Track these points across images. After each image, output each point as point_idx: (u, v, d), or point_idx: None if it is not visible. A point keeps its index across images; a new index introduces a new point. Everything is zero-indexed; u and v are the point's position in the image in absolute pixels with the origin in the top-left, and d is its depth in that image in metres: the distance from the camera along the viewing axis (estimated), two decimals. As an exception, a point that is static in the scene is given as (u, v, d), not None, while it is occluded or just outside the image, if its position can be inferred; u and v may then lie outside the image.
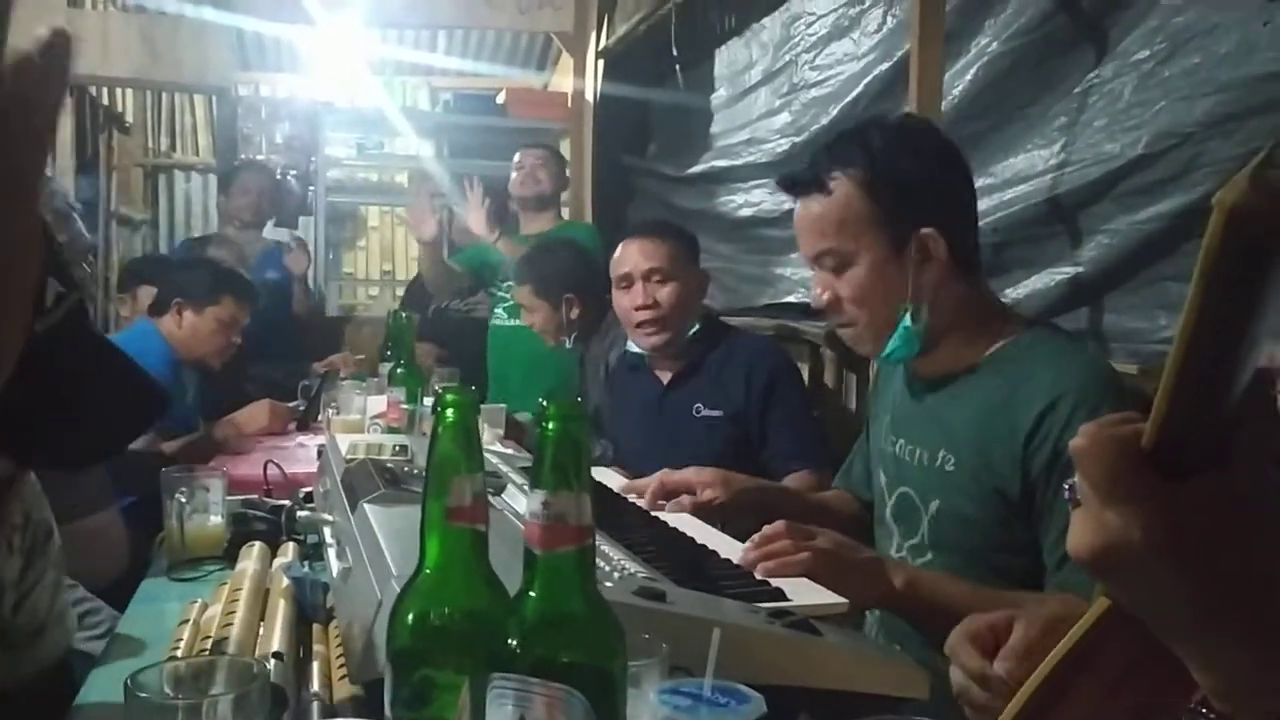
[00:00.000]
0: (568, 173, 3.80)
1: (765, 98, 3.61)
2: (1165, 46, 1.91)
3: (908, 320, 1.43)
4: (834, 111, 3.12)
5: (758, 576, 1.20)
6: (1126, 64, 2.02)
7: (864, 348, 1.55)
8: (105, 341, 1.03)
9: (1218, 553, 0.53)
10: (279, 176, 4.62)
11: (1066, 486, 0.62)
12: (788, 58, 3.45)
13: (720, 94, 3.98)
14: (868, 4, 2.95)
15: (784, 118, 3.44)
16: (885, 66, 2.85)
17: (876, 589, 1.24)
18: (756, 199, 3.68)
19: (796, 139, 3.35)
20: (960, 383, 1.45)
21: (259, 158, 5.08)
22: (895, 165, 1.43)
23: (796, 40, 3.40)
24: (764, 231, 3.62)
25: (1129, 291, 2.02)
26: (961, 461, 1.40)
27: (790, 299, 3.39)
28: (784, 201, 3.52)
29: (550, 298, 2.94)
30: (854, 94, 3.01)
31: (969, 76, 2.53)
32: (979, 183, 2.67)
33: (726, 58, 3.95)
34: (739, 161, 3.73)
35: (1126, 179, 1.99)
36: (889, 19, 2.85)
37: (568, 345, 3.00)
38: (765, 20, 3.63)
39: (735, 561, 1.27)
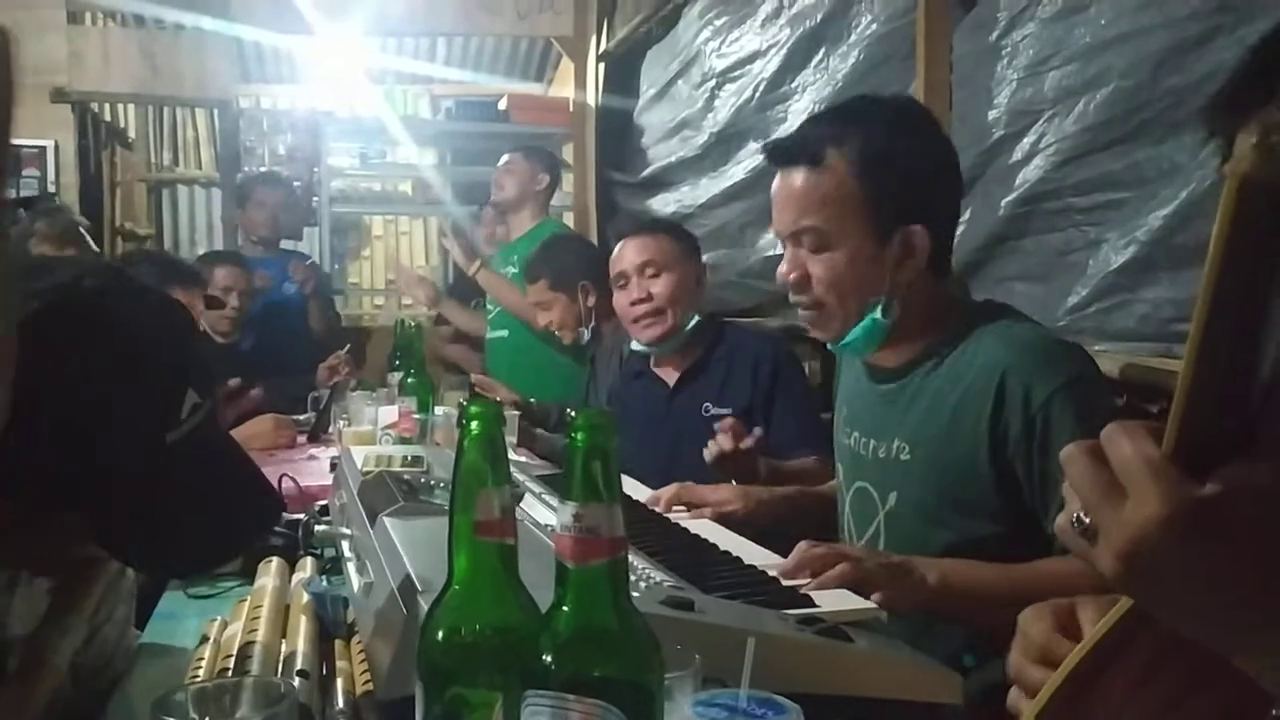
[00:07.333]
0: (545, 173, 3.74)
1: (687, 92, 3.66)
2: (1005, 18, 1.94)
3: (877, 314, 1.40)
4: (732, 102, 3.16)
5: (784, 582, 1.19)
6: (986, 41, 2.01)
7: (824, 332, 1.48)
8: (230, 443, 1.00)
9: (1248, 537, 0.52)
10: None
11: (1074, 519, 0.60)
12: (700, 49, 3.50)
13: (653, 92, 4.04)
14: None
15: (704, 110, 3.48)
16: (783, 49, 2.86)
17: (912, 593, 1.20)
18: (679, 195, 3.71)
19: (714, 130, 3.39)
20: (916, 375, 1.42)
21: (264, 169, 5.06)
22: (895, 153, 1.37)
23: (706, 31, 3.45)
24: None
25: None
26: (918, 451, 1.38)
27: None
28: (700, 197, 3.55)
29: (566, 288, 2.96)
30: (742, 81, 3.03)
31: (851, 60, 2.52)
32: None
33: (667, 52, 3.95)
34: (673, 159, 3.77)
35: (993, 161, 1.96)
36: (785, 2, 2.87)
37: (586, 336, 3.01)
38: (688, 11, 3.66)
39: (759, 566, 1.26)
